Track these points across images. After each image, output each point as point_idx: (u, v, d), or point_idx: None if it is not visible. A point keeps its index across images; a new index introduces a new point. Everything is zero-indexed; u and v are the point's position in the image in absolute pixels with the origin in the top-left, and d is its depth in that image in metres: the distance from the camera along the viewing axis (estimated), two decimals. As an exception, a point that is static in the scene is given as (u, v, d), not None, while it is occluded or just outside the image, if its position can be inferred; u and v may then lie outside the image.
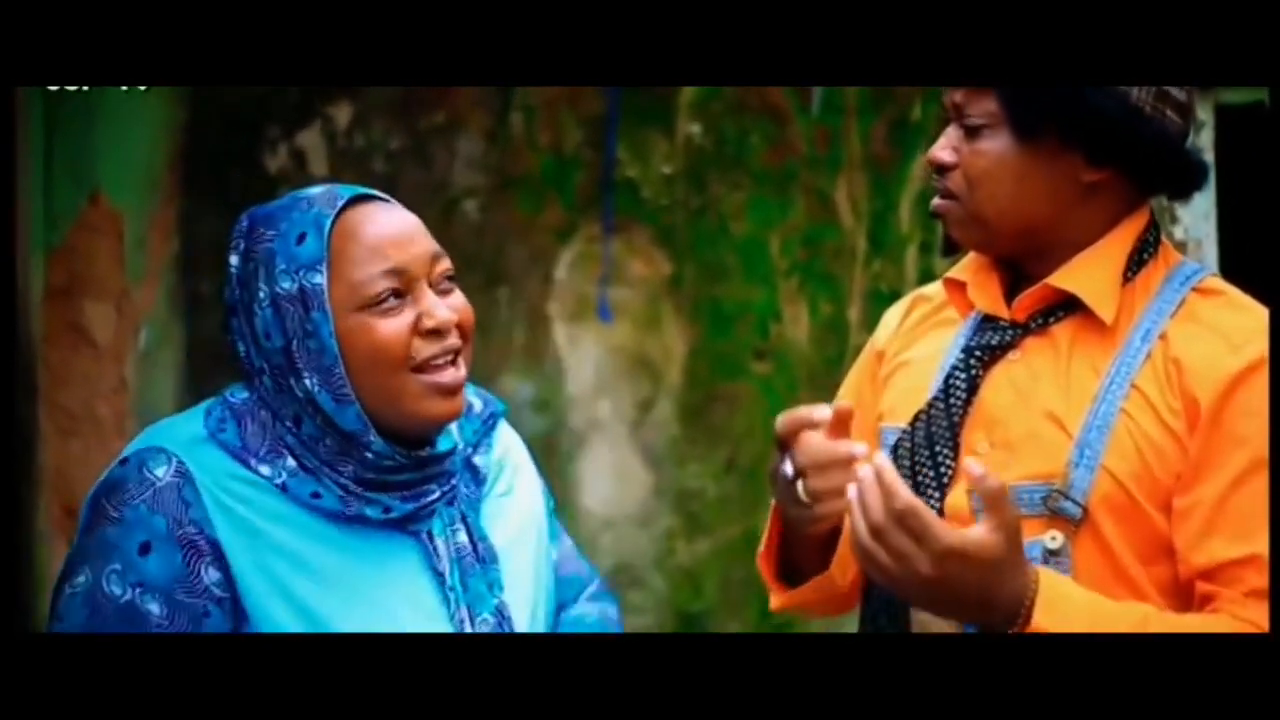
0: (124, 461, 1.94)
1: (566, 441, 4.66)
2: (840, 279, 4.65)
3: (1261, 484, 1.94)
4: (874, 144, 4.62)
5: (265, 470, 1.94)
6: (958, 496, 2.04)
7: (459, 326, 1.97)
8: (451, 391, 1.95)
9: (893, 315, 2.26)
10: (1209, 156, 4.14)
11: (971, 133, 2.04)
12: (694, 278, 4.66)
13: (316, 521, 1.94)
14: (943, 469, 2.05)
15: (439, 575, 1.98)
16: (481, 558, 2.01)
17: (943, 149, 2.06)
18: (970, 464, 1.84)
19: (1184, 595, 1.99)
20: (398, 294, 1.93)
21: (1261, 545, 1.93)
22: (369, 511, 1.95)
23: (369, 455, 1.94)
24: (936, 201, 2.08)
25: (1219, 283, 2.07)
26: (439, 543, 1.99)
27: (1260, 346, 1.97)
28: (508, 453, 2.15)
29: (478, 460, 2.08)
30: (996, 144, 2.02)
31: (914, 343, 2.20)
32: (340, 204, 1.94)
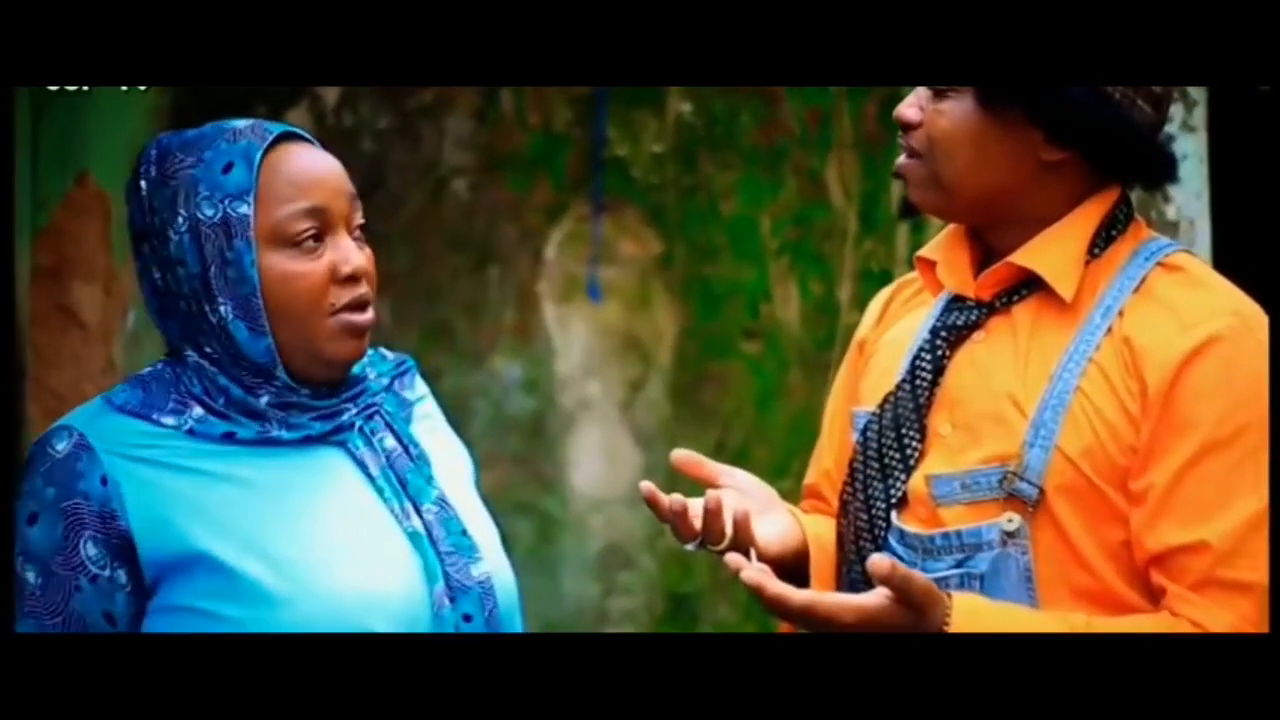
0: (34, 443, 1.98)
1: (556, 422, 4.65)
2: (831, 259, 4.64)
3: (1216, 468, 1.90)
4: (865, 123, 4.61)
5: (170, 420, 1.96)
6: (921, 479, 2.03)
7: (370, 277, 2.01)
8: (361, 333, 2.00)
9: (875, 304, 2.25)
10: (1202, 135, 4.13)
11: (938, 93, 2.01)
12: (684, 257, 4.65)
13: (232, 450, 1.96)
14: (908, 451, 2.04)
15: (369, 476, 2.00)
16: (414, 457, 2.04)
17: (909, 105, 2.04)
18: (875, 560, 1.83)
19: (1145, 578, 1.95)
20: (317, 236, 1.96)
21: (1212, 533, 1.89)
22: (285, 434, 1.97)
23: (274, 387, 1.98)
24: (900, 160, 2.06)
25: (1184, 258, 2.02)
26: (363, 450, 2.01)
27: (1211, 326, 1.92)
28: (433, 404, 2.18)
29: (405, 393, 2.12)
30: (960, 107, 2.00)
31: (891, 327, 2.19)
32: (270, 138, 1.96)
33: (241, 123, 1.99)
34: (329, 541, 1.95)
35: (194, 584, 1.92)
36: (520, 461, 4.62)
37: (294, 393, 1.98)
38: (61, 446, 1.94)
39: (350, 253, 1.97)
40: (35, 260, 3.82)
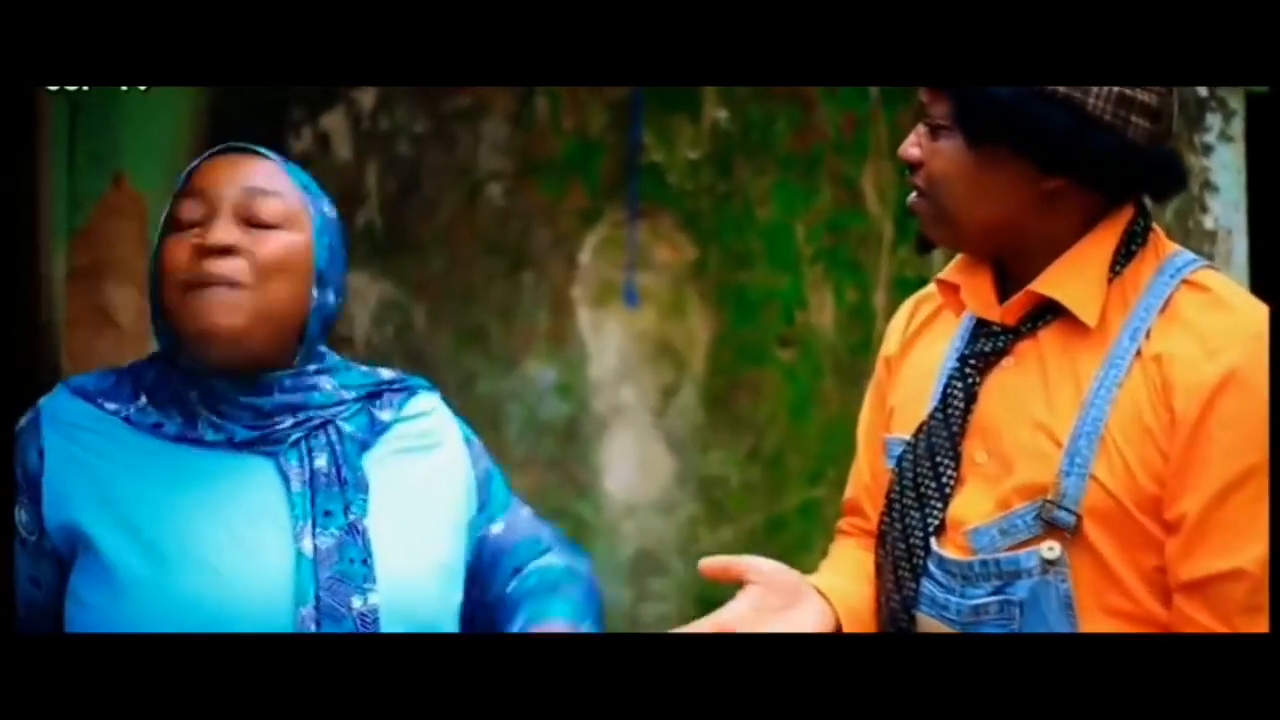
0: None
1: (589, 427, 4.65)
2: (866, 265, 4.63)
3: (1247, 497, 1.90)
4: (900, 130, 4.58)
5: (112, 406, 2.05)
6: (959, 506, 2.02)
7: (256, 259, 2.03)
8: (213, 307, 2.01)
9: (897, 322, 2.24)
10: (1240, 145, 4.11)
11: (934, 131, 2.01)
12: (719, 263, 4.64)
13: (163, 445, 2.03)
14: (944, 479, 2.03)
15: (290, 491, 2.03)
16: (344, 481, 2.05)
17: (911, 145, 2.04)
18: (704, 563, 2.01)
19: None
20: (203, 223, 2.03)
21: (1248, 560, 1.89)
22: (210, 435, 2.03)
23: (190, 377, 2.04)
24: (911, 198, 2.06)
25: (1209, 276, 2.00)
26: (293, 465, 2.04)
27: (1237, 353, 1.91)
28: (431, 424, 2.19)
29: (382, 414, 2.13)
30: (952, 144, 1.99)
31: (915, 347, 2.18)
32: (204, 156, 2.09)
33: None
34: (212, 543, 1.98)
35: (82, 566, 2.00)
36: (553, 466, 4.62)
37: (221, 394, 2.03)
38: (23, 421, 2.05)
39: (216, 228, 2.02)
40: (71, 261, 3.84)
